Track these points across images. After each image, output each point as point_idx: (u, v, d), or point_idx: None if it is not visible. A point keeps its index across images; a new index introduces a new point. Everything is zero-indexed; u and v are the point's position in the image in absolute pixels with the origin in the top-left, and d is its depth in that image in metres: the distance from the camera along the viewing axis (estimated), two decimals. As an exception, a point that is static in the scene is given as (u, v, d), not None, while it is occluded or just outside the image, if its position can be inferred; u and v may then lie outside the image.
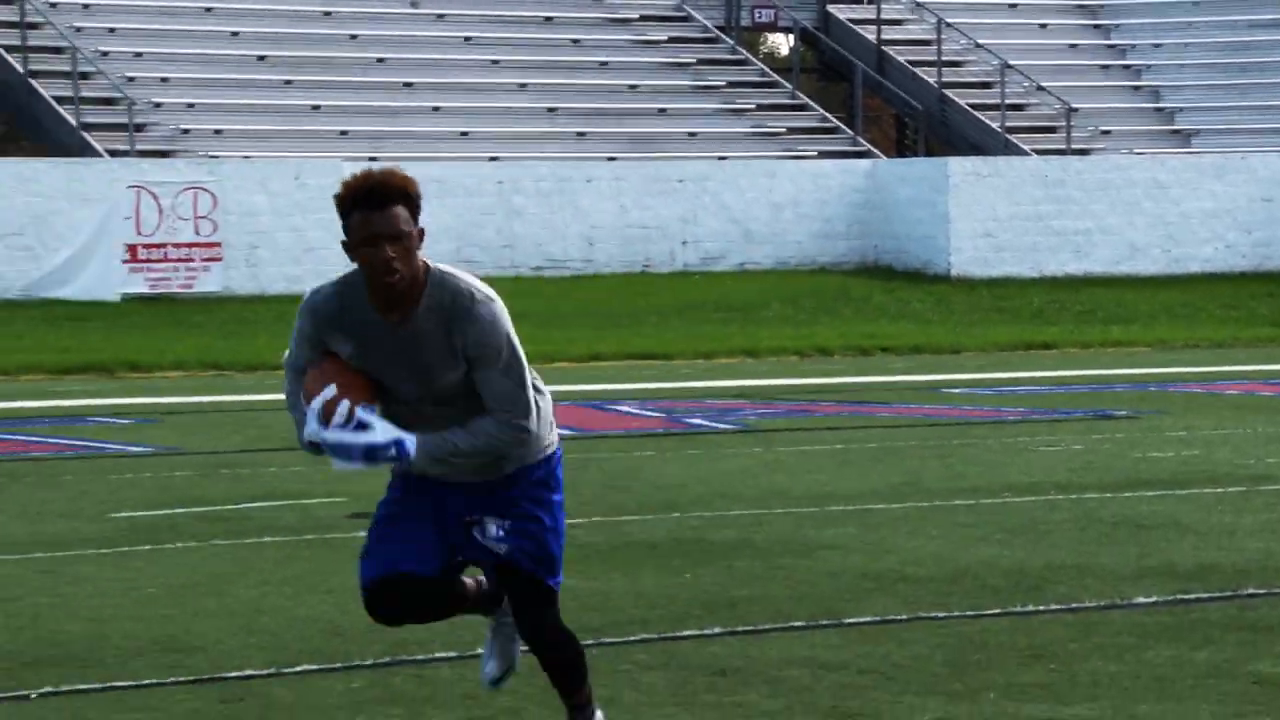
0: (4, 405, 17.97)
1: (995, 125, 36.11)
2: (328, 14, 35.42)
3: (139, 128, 31.10)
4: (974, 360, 23.17)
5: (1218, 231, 33.46)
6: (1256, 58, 38.03)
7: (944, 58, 37.36)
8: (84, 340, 23.84)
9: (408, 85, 34.20)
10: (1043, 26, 39.65)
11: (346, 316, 5.55)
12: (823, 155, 34.44)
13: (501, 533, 5.75)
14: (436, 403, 5.57)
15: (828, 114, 36.47)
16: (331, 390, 5.50)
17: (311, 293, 5.65)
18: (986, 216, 32.25)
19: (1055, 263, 32.61)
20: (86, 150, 30.45)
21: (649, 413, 17.15)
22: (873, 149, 35.89)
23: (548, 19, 36.76)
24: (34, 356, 21.97)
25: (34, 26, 32.39)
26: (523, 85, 34.85)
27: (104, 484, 12.64)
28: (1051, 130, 36.25)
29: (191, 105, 32.16)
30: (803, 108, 36.33)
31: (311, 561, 9.57)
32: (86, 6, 33.81)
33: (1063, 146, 35.53)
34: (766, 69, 38.22)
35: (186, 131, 31.54)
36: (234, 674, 7.23)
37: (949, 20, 37.71)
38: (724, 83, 36.34)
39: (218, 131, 31.59)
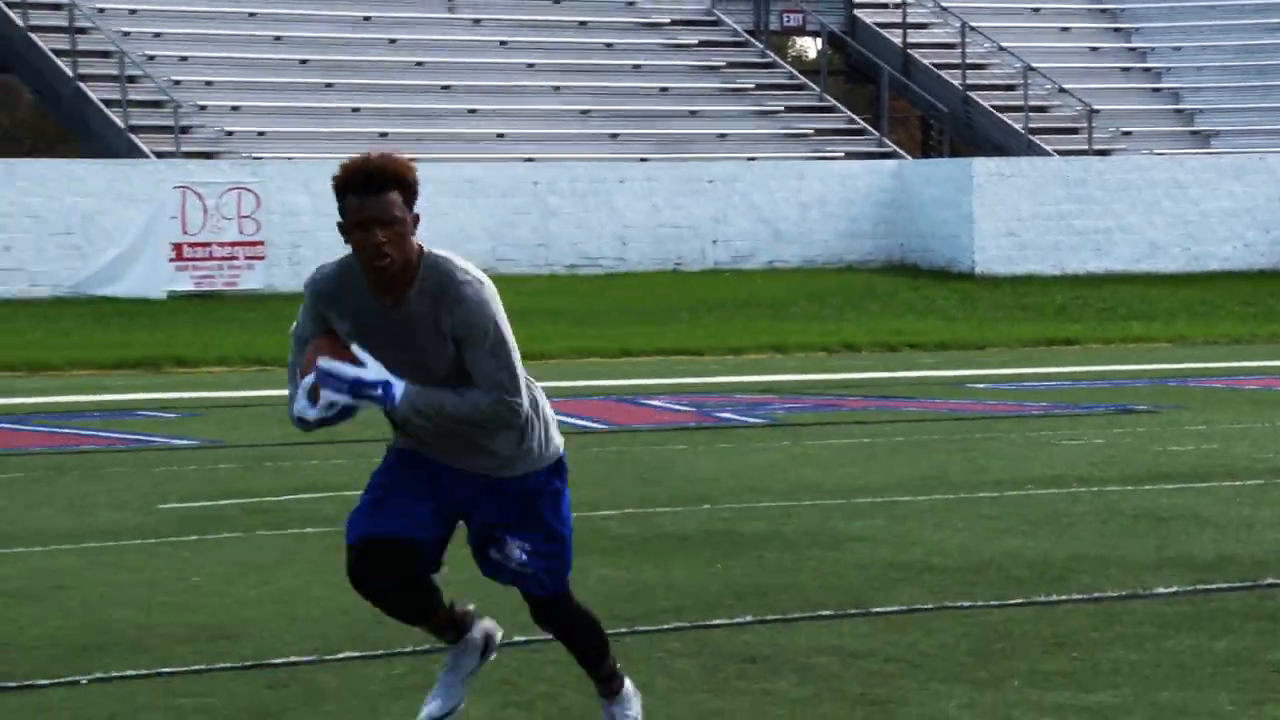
0: (54, 400, 18.03)
1: (1018, 126, 36.04)
2: (367, 19, 35.46)
3: (184, 130, 31.17)
4: (998, 356, 23.13)
5: (1236, 230, 33.36)
6: (1275, 60, 37.90)
7: (968, 60, 37.30)
8: (131, 336, 23.91)
9: (445, 88, 34.23)
10: (1064, 30, 39.56)
11: (344, 296, 5.55)
12: (850, 156, 34.41)
13: (524, 556, 5.75)
14: (428, 384, 5.53)
15: (854, 116, 36.42)
16: (324, 392, 5.50)
17: (317, 269, 5.65)
18: (1010, 216, 32.19)
19: (1077, 261, 32.54)
20: (134, 152, 30.53)
21: (680, 407, 17.14)
22: (898, 150, 35.83)
23: (582, 23, 36.77)
24: (83, 352, 22.04)
25: (82, 31, 32.48)
26: (557, 88, 34.86)
27: (150, 476, 12.68)
28: (1073, 131, 36.17)
29: (235, 108, 32.22)
30: (830, 110, 36.29)
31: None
32: (134, 12, 33.90)
33: (1084, 147, 35.45)
34: (795, 72, 38.19)
35: (230, 133, 31.61)
36: (278, 660, 7.25)
37: (973, 24, 37.65)
38: (753, 85, 36.32)
39: (261, 133, 31.65)
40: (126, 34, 32.89)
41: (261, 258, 28.80)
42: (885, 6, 39.31)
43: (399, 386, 5.48)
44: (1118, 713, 6.42)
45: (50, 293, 27.75)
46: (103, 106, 31.54)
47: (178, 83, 32.22)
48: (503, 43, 35.73)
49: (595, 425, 15.78)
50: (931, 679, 6.88)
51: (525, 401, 5.60)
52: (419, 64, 34.62)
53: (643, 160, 32.83)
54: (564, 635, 5.97)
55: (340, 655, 7.30)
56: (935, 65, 37.71)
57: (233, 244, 28.69)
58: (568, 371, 20.92)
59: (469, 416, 5.53)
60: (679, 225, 32.03)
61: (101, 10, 33.34)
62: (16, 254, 27.84)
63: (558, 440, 5.82)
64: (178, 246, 28.37)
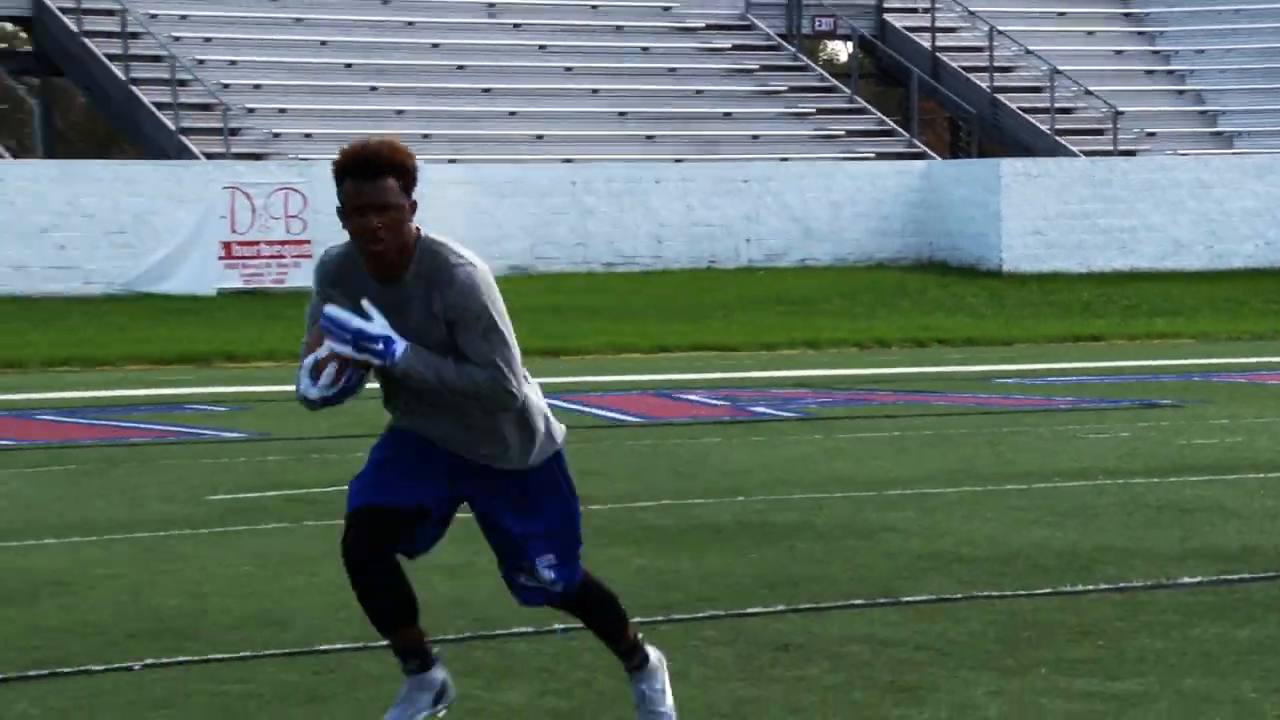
0: (107, 394, 18.09)
1: (1045, 128, 35.94)
2: (410, 24, 35.51)
3: (233, 132, 31.25)
4: (1025, 352, 23.06)
5: (1259, 229, 33.21)
6: (1296, 62, 37.76)
7: (996, 63, 37.21)
8: (182, 332, 23.97)
9: (486, 91, 34.25)
10: (1090, 33, 39.44)
11: (347, 278, 5.52)
12: (880, 157, 34.35)
13: (552, 574, 5.72)
14: None
15: (884, 117, 36.35)
16: (324, 350, 5.48)
17: (325, 251, 5.64)
18: (1037, 215, 32.10)
19: (1103, 259, 32.44)
20: (184, 153, 30.61)
21: (715, 401, 17.12)
22: (928, 151, 35.76)
23: (618, 28, 36.76)
24: (135, 348, 22.11)
25: (135, 36, 32.58)
26: (595, 91, 34.87)
27: (200, 468, 12.71)
28: (1099, 132, 36.06)
29: (283, 110, 32.28)
30: (861, 111, 36.23)
31: (397, 541, 9.58)
32: (184, 18, 33.99)
33: (1109, 148, 35.33)
34: (826, 75, 38.13)
35: (278, 135, 31.68)
36: (325, 647, 7.26)
37: (1000, 28, 37.56)
38: (786, 88, 36.27)
39: (307, 135, 31.71)
40: (177, 39, 32.98)
41: (308, 256, 28.83)
42: (914, 11, 39.23)
43: (400, 345, 5.41)
44: (1143, 700, 6.40)
45: (103, 290, 27.84)
46: (154, 109, 31.63)
47: (227, 86, 32.30)
48: (542, 46, 35.74)
49: (632, 419, 15.77)
50: (960, 666, 6.86)
51: (522, 386, 5.51)
52: (460, 67, 34.64)
53: (678, 161, 32.82)
54: (581, 614, 5.93)
55: (383, 643, 7.29)
56: (963, 68, 37.62)
57: (280, 242, 28.75)
58: (605, 367, 20.92)
59: (464, 389, 5.44)
60: (713, 224, 32.01)
61: (153, 15, 33.44)
62: (71, 253, 27.94)
63: (557, 432, 5.72)
64: (227, 245, 28.45)
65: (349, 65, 33.97)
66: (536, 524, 5.69)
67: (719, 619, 7.73)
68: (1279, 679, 6.64)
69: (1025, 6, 39.67)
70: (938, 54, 38.00)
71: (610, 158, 32.60)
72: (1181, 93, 38.23)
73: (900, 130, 35.77)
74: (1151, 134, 36.50)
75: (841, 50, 47.81)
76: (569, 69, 35.24)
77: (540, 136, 33.27)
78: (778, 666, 6.90)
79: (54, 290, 27.56)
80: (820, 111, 35.71)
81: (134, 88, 32.03)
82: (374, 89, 33.52)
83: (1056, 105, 36.10)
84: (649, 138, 33.94)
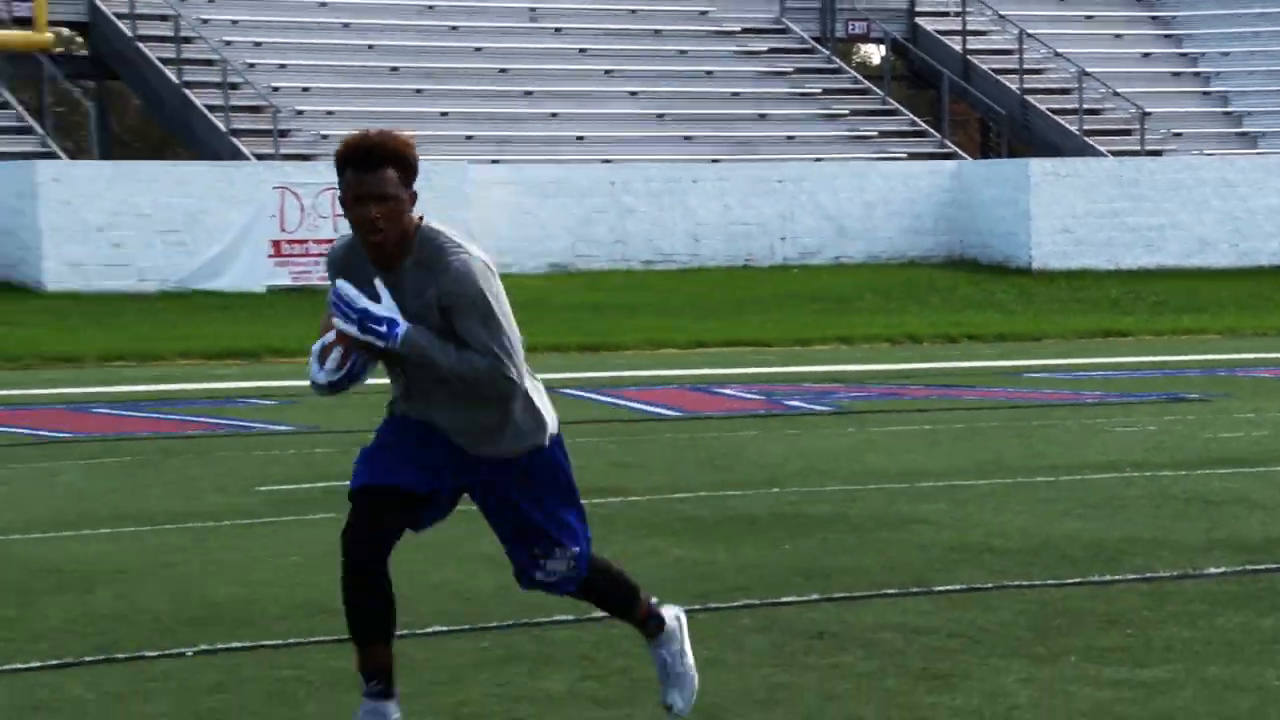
0: (161, 388, 18.16)
1: (1073, 128, 35.82)
2: (454, 28, 35.54)
3: (283, 134, 31.33)
4: (1054, 347, 22.99)
5: (1283, 227, 33.07)
6: (1320, 64, 37.57)
7: (1025, 66, 37.09)
8: (233, 328, 24.04)
9: (528, 93, 34.27)
10: (1117, 36, 39.29)
11: (352, 266, 5.49)
12: (912, 157, 34.27)
13: (565, 566, 5.68)
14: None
15: (916, 119, 36.27)
16: (330, 336, 5.47)
17: (336, 240, 5.61)
18: (1065, 213, 31.99)
19: (1130, 256, 32.31)
20: (235, 155, 30.70)
21: (750, 395, 17.11)
22: (959, 151, 35.67)
23: (657, 32, 36.74)
24: (187, 343, 22.18)
25: (187, 41, 32.68)
26: (634, 93, 34.86)
27: (251, 460, 12.74)
28: (1126, 133, 35.92)
29: (331, 112, 32.35)
30: (893, 113, 36.15)
31: (441, 532, 9.56)
32: (235, 23, 34.08)
33: (1136, 148, 35.20)
34: (859, 77, 38.06)
35: (326, 137, 31.72)
36: (371, 634, 7.26)
37: (1030, 31, 37.44)
38: (820, 90, 36.21)
39: (354, 137, 31.74)
40: (228, 43, 33.07)
41: (355, 254, 28.89)
42: (946, 15, 39.13)
43: (403, 328, 5.37)
44: (1170, 687, 6.37)
45: (157, 287, 27.93)
46: (206, 112, 31.72)
47: (276, 89, 32.37)
48: (582, 50, 35.74)
49: (670, 412, 15.76)
50: (991, 654, 6.84)
51: (523, 372, 5.45)
52: (503, 70, 34.66)
53: (715, 161, 32.79)
54: (593, 598, 5.89)
55: (429, 630, 7.32)
56: (994, 70, 37.51)
57: (328, 241, 28.77)
58: (644, 362, 20.93)
59: (464, 374, 5.38)
60: (749, 223, 31.97)
61: (205, 21, 33.53)
62: (126, 251, 28.03)
63: (552, 420, 5.63)
64: (276, 244, 28.52)
65: (395, 69, 34.02)
66: (542, 509, 5.64)
67: (754, 608, 7.72)
68: (1303, 667, 6.61)
69: (1054, 10, 39.54)
70: (968, 56, 37.89)
71: (649, 158, 32.58)
72: (1207, 94, 38.06)
73: (932, 131, 35.68)
74: (1178, 134, 36.35)
75: (874, 53, 47.71)
76: (609, 72, 35.23)
77: (581, 138, 33.27)
78: (812, 654, 6.88)
79: (109, 287, 27.66)
80: (854, 113, 35.64)
81: (187, 91, 32.12)
82: (419, 91, 33.56)
83: (1085, 106, 35.97)
84: (687, 139, 33.91)
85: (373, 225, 5.35)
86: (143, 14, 33.35)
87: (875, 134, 35.11)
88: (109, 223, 27.95)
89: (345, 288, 5.44)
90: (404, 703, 5.79)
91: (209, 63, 32.29)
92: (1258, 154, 35.38)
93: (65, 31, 33.23)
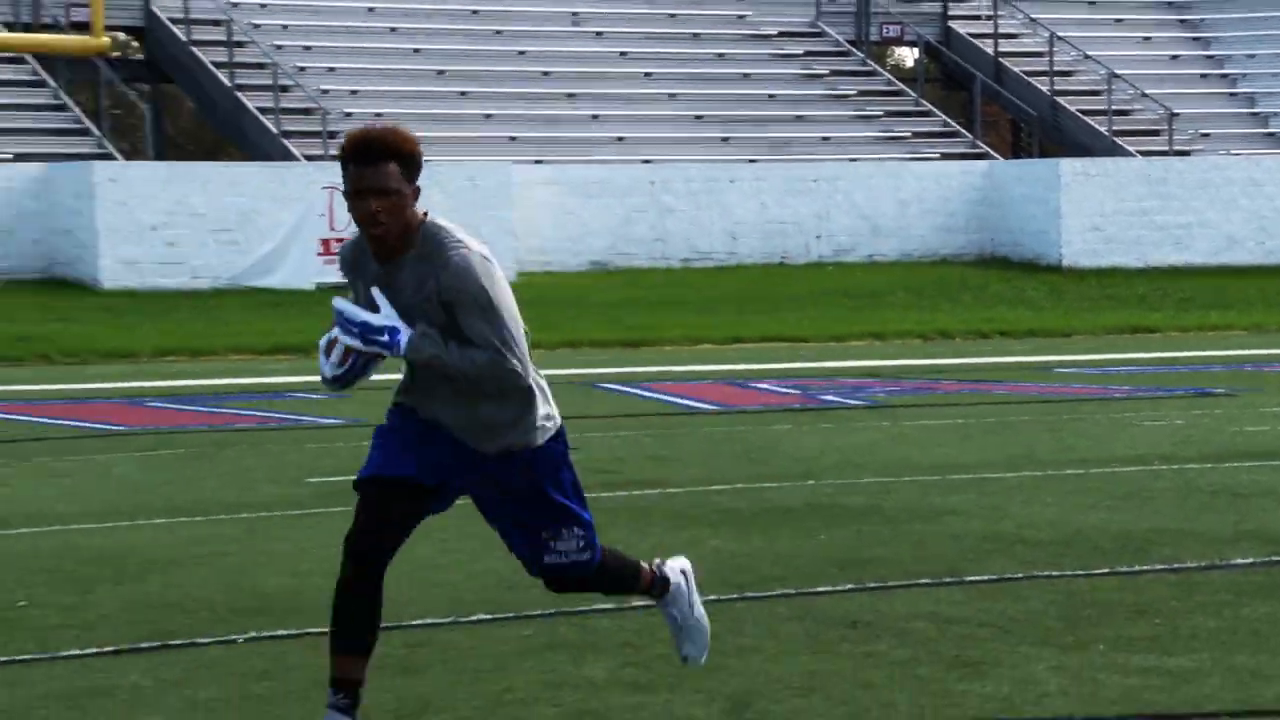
0: (213, 382, 18.21)
1: (1103, 129, 35.68)
2: (499, 33, 35.57)
3: (332, 135, 31.38)
4: (1083, 343, 22.91)
5: (1309, 225, 32.91)
6: (1345, 66, 37.37)
7: (1056, 68, 36.96)
8: (283, 324, 24.10)
9: (570, 96, 34.28)
10: (1146, 39, 39.13)
11: (359, 262, 5.45)
12: (944, 157, 34.18)
13: (575, 545, 5.60)
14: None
15: (949, 120, 36.17)
16: (336, 331, 5.45)
17: (349, 238, 5.55)
18: (1095, 212, 31.87)
19: (1158, 254, 32.18)
20: (286, 155, 30.78)
21: (786, 390, 17.09)
22: (990, 151, 35.56)
23: (695, 36, 36.71)
24: (240, 339, 22.25)
25: (239, 45, 32.77)
26: (673, 95, 34.83)
27: (301, 452, 12.77)
28: (1154, 133, 35.77)
29: (378, 114, 32.37)
30: (926, 114, 36.06)
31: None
32: (285, 27, 34.17)
33: (1165, 148, 35.05)
34: (893, 79, 37.97)
35: (373, 138, 31.76)
36: (417, 622, 7.28)
37: (1060, 34, 37.30)
38: (855, 92, 36.14)
39: (401, 138, 31.79)
40: (279, 47, 33.15)
41: (402, 252, 28.94)
42: (978, 18, 39.02)
43: (405, 334, 5.32)
44: (1196, 676, 6.34)
45: (210, 284, 28.02)
46: (257, 114, 31.81)
47: (325, 92, 32.44)
48: (623, 54, 35.73)
49: (707, 406, 15.75)
50: (1022, 643, 6.82)
51: (520, 368, 5.34)
52: (546, 73, 34.68)
53: (752, 161, 32.75)
54: (605, 581, 5.82)
55: (473, 617, 7.33)
56: (1025, 72, 37.39)
57: (376, 240, 28.84)
58: (682, 357, 20.92)
59: (468, 371, 5.31)
60: (785, 222, 31.93)
61: (257, 26, 33.62)
62: (180, 249, 28.13)
63: (556, 414, 5.55)
64: (325, 242, 28.57)
65: (441, 72, 34.06)
66: (546, 500, 5.56)
67: (790, 597, 7.71)
68: (1328, 657, 6.58)
69: (1085, 14, 39.39)
70: (1000, 59, 37.78)
71: (688, 159, 32.56)
72: (1234, 95, 37.88)
73: (964, 132, 35.58)
74: (1205, 135, 36.18)
75: (908, 56, 47.58)
76: (648, 75, 35.22)
77: (621, 139, 33.27)
78: (846, 642, 6.88)
79: (163, 285, 27.76)
80: (888, 114, 35.56)
81: (239, 94, 32.21)
82: (464, 94, 33.59)
83: (1114, 107, 35.83)
84: (724, 140, 33.88)
85: (373, 219, 5.29)
86: (196, 19, 33.45)
87: (909, 135, 35.02)
88: (164, 222, 28.05)
89: (343, 305, 5.40)
90: (450, 689, 5.80)
91: (260, 66, 32.37)
92: (1284, 154, 35.21)
93: (121, 36, 33.35)
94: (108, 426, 14.60)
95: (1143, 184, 32.20)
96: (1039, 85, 36.94)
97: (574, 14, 36.45)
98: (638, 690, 6.26)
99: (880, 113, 35.52)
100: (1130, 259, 31.94)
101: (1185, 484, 10.77)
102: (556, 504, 5.58)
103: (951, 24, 38.95)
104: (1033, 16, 38.16)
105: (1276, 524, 9.35)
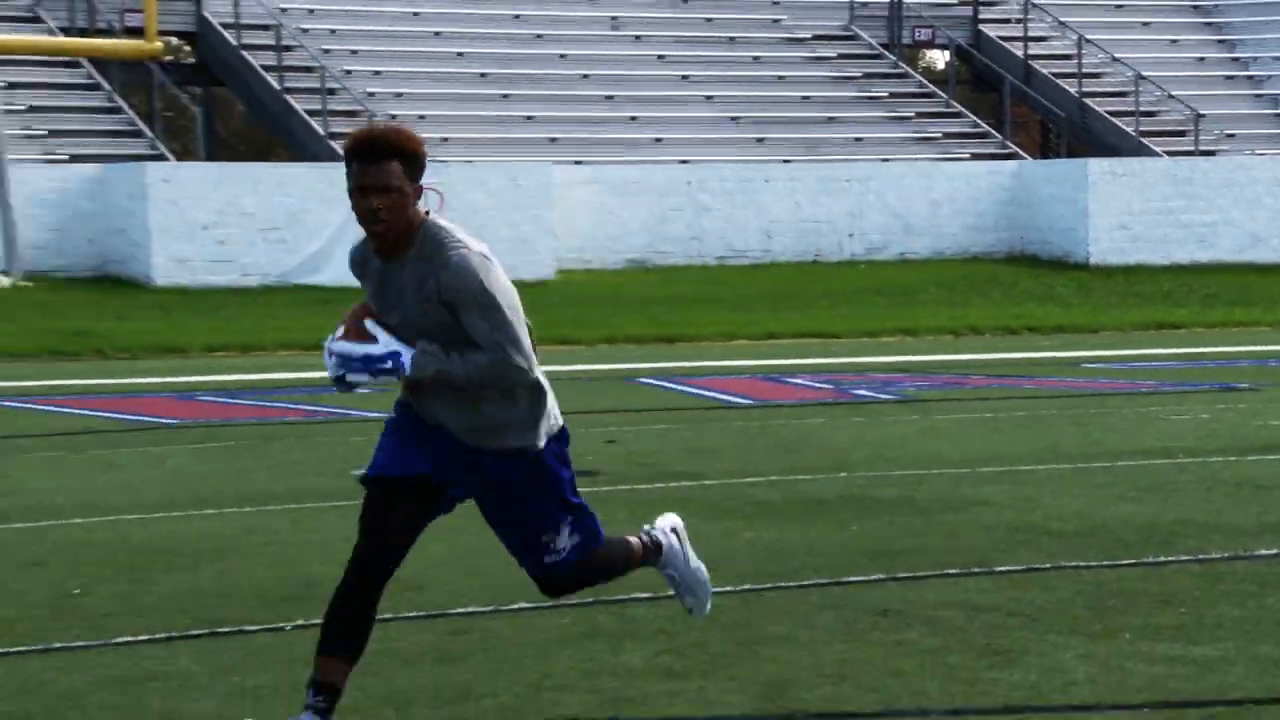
0: (263, 376, 18.26)
1: (1130, 130, 35.54)
2: (539, 36, 35.59)
3: (377, 137, 31.41)
4: (1110, 339, 22.83)
5: (1332, 224, 32.74)
6: (1368, 67, 37.14)
7: (1084, 70, 36.82)
8: (330, 320, 23.91)
9: (609, 98, 34.28)
10: (1173, 42, 38.95)
11: (366, 262, 5.39)
12: (975, 158, 34.09)
13: (576, 537, 5.55)
14: (429, 346, 5.29)
15: (979, 121, 36.07)
16: (339, 332, 5.44)
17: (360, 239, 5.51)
18: (1122, 211, 31.76)
19: (1184, 252, 32.04)
20: (333, 157, 30.83)
21: (819, 385, 17.06)
22: (1019, 151, 35.45)
23: (731, 39, 36.68)
24: (288, 334, 22.30)
25: (288, 49, 32.85)
26: (709, 97, 34.81)
27: (348, 444, 12.79)
28: (1181, 134, 35.61)
29: (422, 116, 32.44)
30: (957, 115, 35.97)
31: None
32: (333, 32, 34.25)
33: (1191, 148, 34.90)
34: (925, 81, 37.88)
35: (418, 140, 31.82)
36: (459, 610, 7.29)
37: (1089, 37, 37.17)
38: (887, 94, 36.06)
39: (444, 139, 31.84)
40: (327, 51, 33.23)
41: (445, 251, 28.97)
42: (1008, 21, 38.90)
43: (407, 355, 5.26)
44: (1221, 664, 6.31)
45: (259, 282, 28.11)
46: (306, 116, 31.89)
47: (371, 94, 32.50)
48: (660, 57, 35.73)
49: (742, 401, 15.74)
50: (1049, 631, 6.80)
51: (525, 363, 5.25)
52: (585, 76, 34.69)
53: (786, 162, 32.72)
54: (601, 567, 5.75)
55: (515, 606, 7.33)
56: (1054, 74, 37.26)
57: (420, 238, 28.89)
58: (718, 353, 20.91)
59: (472, 376, 5.24)
60: (819, 220, 31.89)
61: (305, 31, 33.71)
62: (230, 248, 28.23)
63: (557, 415, 5.49)
64: (371, 241, 28.63)
65: (483, 75, 34.10)
66: (546, 502, 5.50)
67: (823, 586, 7.69)
68: (1351, 646, 6.54)
69: (1112, 17, 39.24)
70: (1029, 61, 37.66)
71: (723, 159, 32.55)
72: (1259, 97, 37.69)
73: (994, 133, 35.48)
74: (1230, 135, 36.02)
75: (939, 58, 47.47)
76: (685, 77, 35.20)
77: (659, 140, 33.26)
78: (878, 631, 6.86)
79: (214, 282, 27.86)
80: (919, 116, 35.48)
81: (287, 97, 32.30)
82: (506, 96, 33.62)
83: (1141, 109, 35.69)
84: (759, 140, 33.85)
85: (374, 216, 5.23)
86: (247, 24, 33.55)
87: (940, 135, 34.94)
88: (214, 221, 28.15)
89: (339, 346, 5.36)
90: (491, 676, 5.80)
91: (308, 70, 32.45)
92: (1308, 154, 35.01)
93: (174, 41, 33.45)
94: (160, 420, 14.66)
95: (1169, 183, 32.06)
96: (1067, 87, 36.81)
97: (613, 18, 36.46)
98: (673, 677, 6.26)
99: (912, 114, 35.44)
100: (1156, 257, 31.81)
101: (1210, 477, 10.72)
102: (557, 505, 5.54)
103: (982, 27, 38.83)
104: (1061, 20, 38.03)
105: (1300, 516, 9.30)
